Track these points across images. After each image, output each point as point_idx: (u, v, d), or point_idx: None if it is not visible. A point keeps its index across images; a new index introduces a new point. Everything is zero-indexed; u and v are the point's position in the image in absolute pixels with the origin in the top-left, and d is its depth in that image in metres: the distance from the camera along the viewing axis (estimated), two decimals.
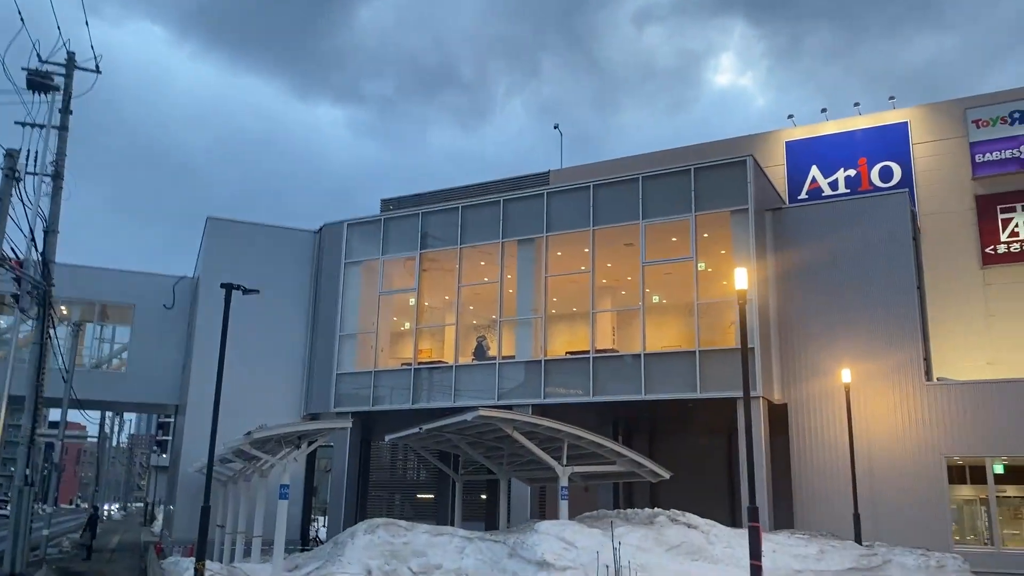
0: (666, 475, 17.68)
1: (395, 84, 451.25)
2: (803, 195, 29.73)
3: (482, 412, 15.16)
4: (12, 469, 22.96)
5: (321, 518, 37.18)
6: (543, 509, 26.15)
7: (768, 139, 30.90)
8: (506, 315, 24.70)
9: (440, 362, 25.83)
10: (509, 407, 22.10)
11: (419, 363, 25.81)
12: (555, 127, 36.84)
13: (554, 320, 24.64)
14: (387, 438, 21.03)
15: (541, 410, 22.37)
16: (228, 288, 13.43)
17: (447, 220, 26.28)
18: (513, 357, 24.30)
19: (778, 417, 21.80)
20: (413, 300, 26.69)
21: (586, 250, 23.57)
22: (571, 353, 23.68)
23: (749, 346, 20.37)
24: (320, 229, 29.30)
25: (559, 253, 24.38)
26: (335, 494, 26.86)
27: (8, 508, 34.12)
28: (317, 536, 31.44)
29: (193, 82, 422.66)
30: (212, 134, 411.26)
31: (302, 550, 23.46)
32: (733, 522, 20.29)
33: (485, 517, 28.73)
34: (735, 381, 20.66)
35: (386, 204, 36.80)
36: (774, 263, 22.43)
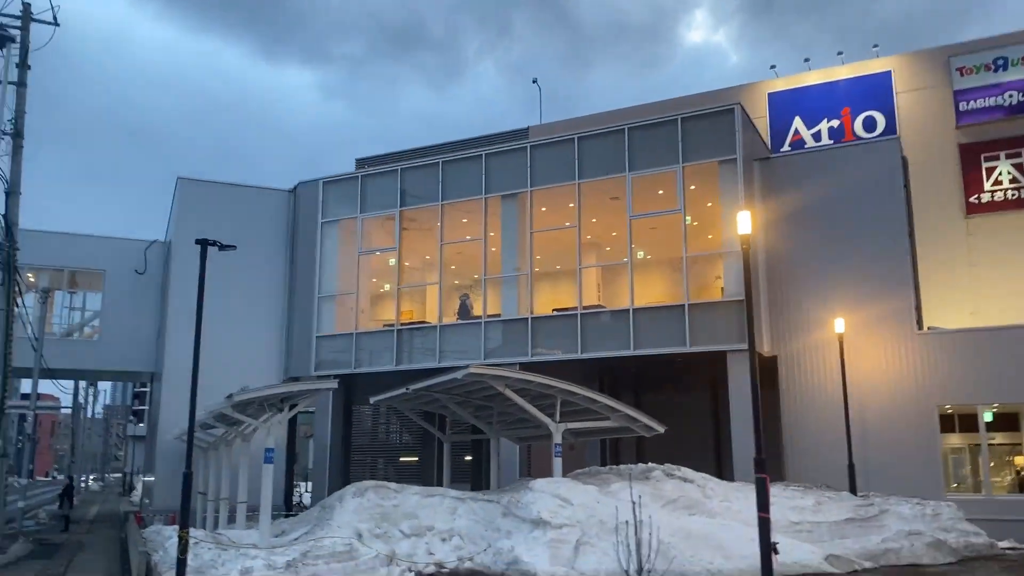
0: (660, 429, 17.40)
1: (363, 44, 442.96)
2: (786, 147, 29.28)
3: (473, 369, 14.70)
4: None
5: (303, 484, 36.78)
6: (529, 469, 25.90)
7: (750, 91, 30.33)
8: (490, 273, 24.15)
9: (423, 323, 25.30)
10: (496, 367, 21.67)
11: (402, 324, 25.26)
12: (533, 81, 36.01)
13: (539, 277, 24.14)
14: (372, 399, 20.57)
15: (528, 368, 21.93)
16: (203, 244, 12.76)
17: (427, 176, 25.56)
18: (498, 316, 23.82)
19: (766, 371, 21.57)
20: (393, 260, 26.04)
21: (571, 205, 23.02)
22: (558, 310, 23.24)
23: (739, 298, 20.24)
24: (295, 188, 28.47)
25: (544, 208, 23.81)
26: (318, 459, 26.42)
27: None
28: (301, 502, 31.08)
29: (156, 44, 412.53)
30: (177, 97, 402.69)
31: (287, 515, 23.07)
32: (720, 477, 20.13)
33: (471, 478, 28.47)
34: (724, 334, 20.42)
35: (361, 164, 35.82)
36: (763, 214, 22.03)
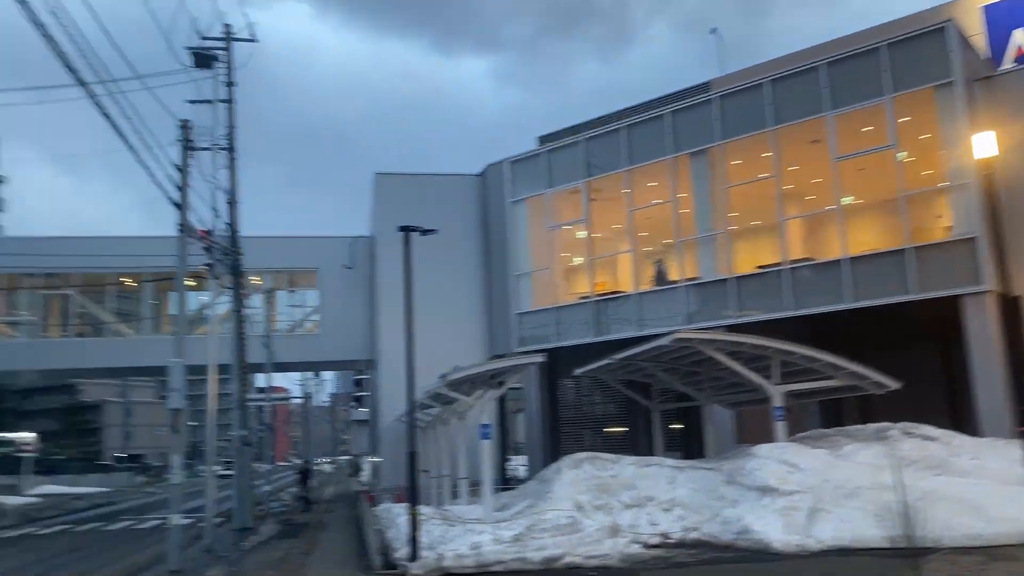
0: (893, 385, 16.02)
1: (532, 25, 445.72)
2: (1008, 65, 26.00)
3: (679, 335, 14.19)
4: (230, 433, 24.53)
5: (514, 458, 37.67)
6: (742, 435, 24.90)
7: (958, 8, 27.14)
8: (684, 235, 23.34)
9: (618, 292, 24.93)
10: (702, 330, 20.92)
11: (597, 295, 25.03)
12: (712, 31, 34.31)
13: (737, 235, 23.02)
14: (576, 372, 20.54)
15: (732, 330, 21.01)
16: (406, 231, 13.13)
17: (611, 144, 25.07)
18: (697, 279, 23.00)
19: (1009, 315, 19.28)
20: (583, 231, 25.85)
21: (766, 154, 21.71)
22: (761, 267, 22.07)
23: (970, 236, 18.21)
24: (483, 171, 28.93)
25: (736, 161, 22.64)
26: (529, 433, 26.90)
27: (230, 469, 37.09)
28: (516, 474, 31.79)
29: (340, 53, 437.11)
30: (365, 100, 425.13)
31: (504, 489, 23.63)
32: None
33: (682, 447, 27.86)
34: (956, 277, 18.46)
35: (543, 141, 35.86)
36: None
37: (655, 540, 13.22)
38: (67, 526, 26.65)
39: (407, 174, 29.10)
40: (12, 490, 48.66)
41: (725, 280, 22.18)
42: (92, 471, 66.87)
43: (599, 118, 33.24)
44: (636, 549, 12.88)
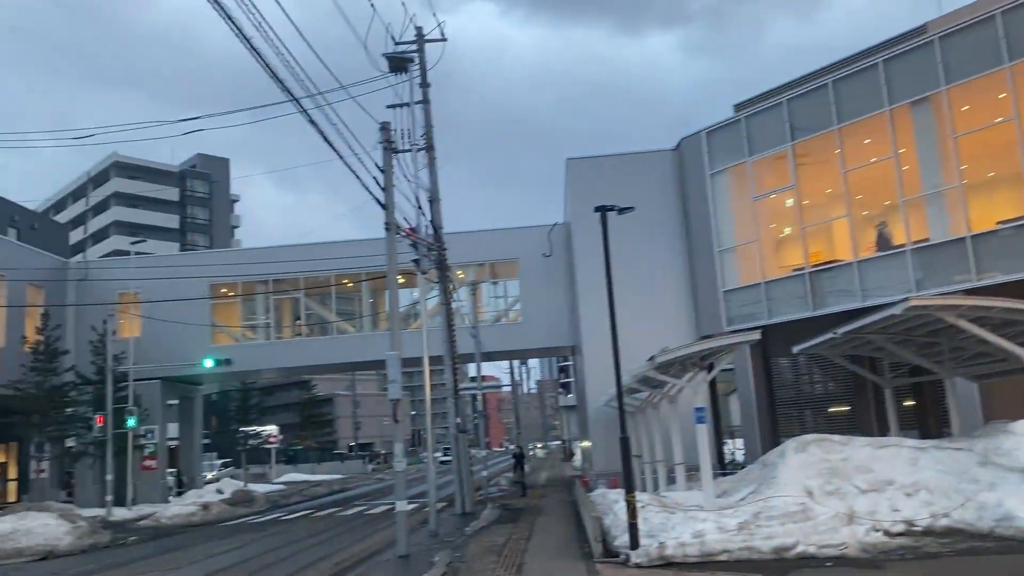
0: None
1: None
2: None
3: (914, 302, 12.80)
4: (447, 422, 25.46)
5: (729, 441, 36.37)
6: (988, 411, 22.37)
7: None
8: (908, 194, 21.27)
9: (835, 261, 23.19)
10: (938, 296, 18.96)
11: (812, 266, 23.43)
12: None
13: (969, 190, 20.64)
14: (795, 349, 19.26)
15: (969, 295, 18.84)
16: (603, 211, 12.79)
17: (816, 103, 23.35)
18: (926, 240, 20.88)
19: None
20: (791, 199, 24.29)
21: (1002, 95, 19.27)
22: (1001, 223, 19.65)
23: None
24: (678, 145, 27.98)
25: (965, 107, 20.28)
26: (744, 416, 25.78)
27: (448, 455, 38.74)
28: (734, 459, 30.65)
29: (527, 45, 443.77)
30: (554, 90, 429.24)
31: (722, 475, 22.76)
32: None
33: (917, 425, 25.54)
34: None
35: (739, 108, 34.18)
36: None
37: (898, 528, 12.04)
38: (308, 511, 28.86)
39: (598, 156, 28.72)
40: (261, 478, 53.72)
41: (959, 240, 19.97)
42: (328, 460, 72.49)
43: (799, 79, 31.08)
44: (877, 538, 11.80)
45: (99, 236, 78.31)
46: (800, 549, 11.35)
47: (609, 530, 13.52)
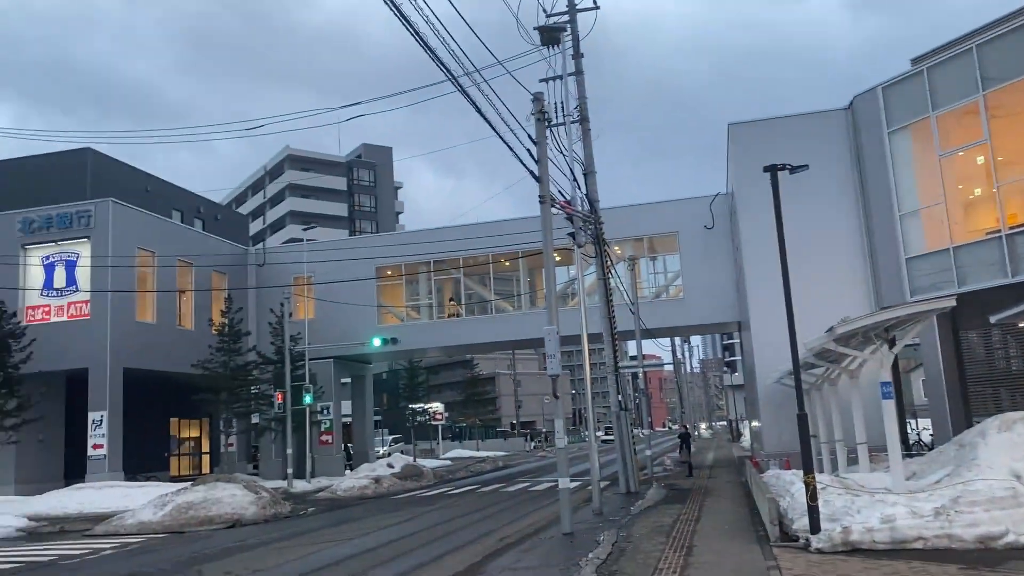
0: None
1: None
2: None
3: None
4: (607, 401, 25.07)
5: (912, 421, 33.83)
6: None
7: None
8: None
9: None
10: None
11: (1009, 229, 21.11)
12: None
13: None
14: (992, 319, 17.46)
15: None
16: (773, 170, 11.86)
17: (1012, 47, 20.93)
18: None
19: None
20: (983, 156, 21.95)
21: None
22: None
23: None
24: (850, 104, 25.99)
25: None
26: (931, 394, 23.72)
27: (609, 435, 38.42)
28: (920, 439, 28.45)
29: (682, 11, 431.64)
30: (711, 57, 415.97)
31: (907, 455, 21.08)
32: None
33: None
34: None
35: (917, 62, 31.36)
36: None
37: None
38: (473, 487, 29.39)
39: (763, 120, 27.16)
40: (429, 454, 55.57)
41: None
42: (491, 437, 74.06)
43: (988, 24, 28.12)
44: None
45: (276, 226, 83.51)
46: (1011, 539, 10.13)
47: (786, 513, 12.68)
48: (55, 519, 22.18)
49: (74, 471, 30.46)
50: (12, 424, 27.08)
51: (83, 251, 31.04)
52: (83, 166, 36.32)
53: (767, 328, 24.00)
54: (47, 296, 31.23)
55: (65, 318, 30.93)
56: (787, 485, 14.56)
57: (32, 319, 30.68)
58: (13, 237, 31.34)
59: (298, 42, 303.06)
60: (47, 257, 31.52)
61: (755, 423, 32.30)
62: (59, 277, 31.26)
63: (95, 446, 29.42)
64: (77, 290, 30.92)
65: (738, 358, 66.33)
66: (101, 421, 29.46)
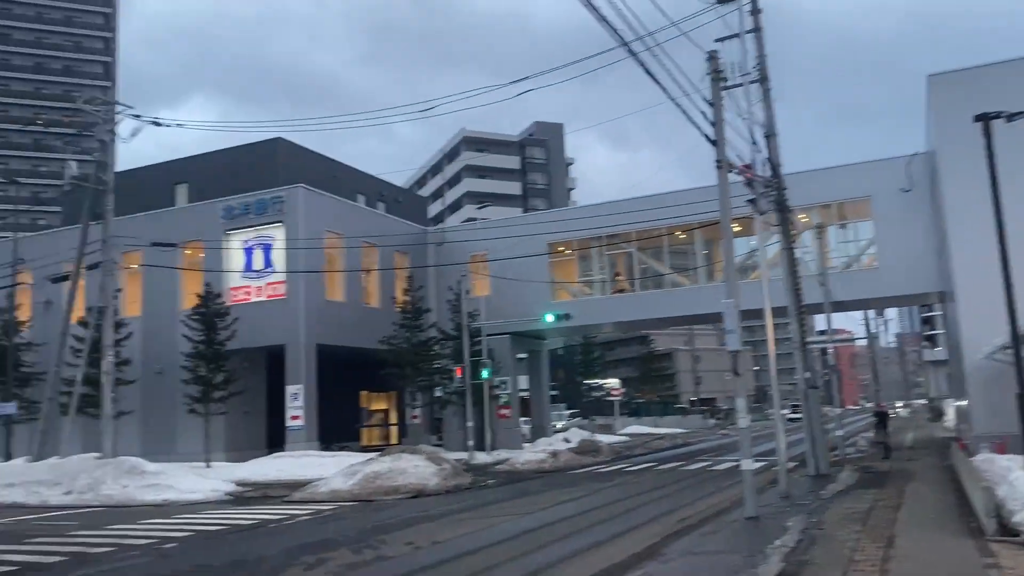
0: None
1: None
2: None
3: None
4: (793, 378, 23.70)
5: None
6: None
7: None
8: None
9: None
10: None
11: None
12: None
13: None
14: None
15: None
16: (985, 119, 10.48)
17: None
18: None
19: None
20: None
21: None
22: None
23: None
24: None
25: None
26: None
27: (796, 413, 36.56)
28: None
29: None
30: (897, 13, 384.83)
31: None
32: None
33: None
34: None
35: None
36: None
37: None
38: (651, 464, 28.86)
39: (969, 67, 24.47)
40: (606, 429, 55.41)
41: None
42: (669, 414, 72.89)
43: None
44: None
45: (454, 207, 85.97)
46: None
47: (1004, 503, 11.33)
48: (258, 484, 23.93)
49: (275, 440, 32.82)
50: (220, 396, 29.55)
51: (278, 235, 33.19)
52: (275, 154, 38.78)
53: (976, 298, 21.79)
54: (247, 278, 33.69)
55: (264, 298, 33.26)
56: (1003, 472, 13.05)
57: (235, 299, 33.22)
58: (216, 224, 34.01)
59: (472, 25, 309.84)
60: (246, 241, 33.96)
61: (961, 401, 29.54)
62: (257, 260, 33.64)
63: (293, 417, 31.54)
64: (273, 272, 33.13)
65: (940, 331, 61.18)
66: (298, 394, 31.51)
